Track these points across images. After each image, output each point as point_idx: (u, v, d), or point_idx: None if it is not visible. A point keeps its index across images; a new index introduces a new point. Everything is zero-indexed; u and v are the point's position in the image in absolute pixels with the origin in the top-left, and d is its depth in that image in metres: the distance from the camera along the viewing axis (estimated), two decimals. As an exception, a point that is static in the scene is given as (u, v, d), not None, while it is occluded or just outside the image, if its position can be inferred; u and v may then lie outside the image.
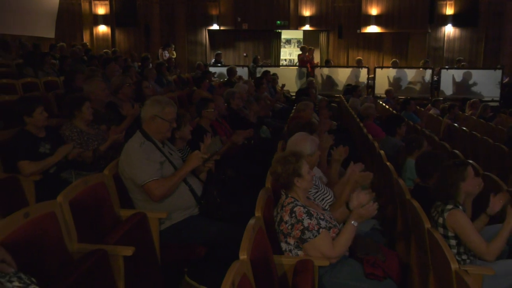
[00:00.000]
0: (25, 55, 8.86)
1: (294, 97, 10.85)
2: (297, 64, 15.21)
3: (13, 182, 3.45)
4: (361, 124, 6.63)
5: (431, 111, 9.88)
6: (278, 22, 16.10)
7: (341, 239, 2.68)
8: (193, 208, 3.25)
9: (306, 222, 2.63)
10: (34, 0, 14.03)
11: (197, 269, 3.17)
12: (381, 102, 10.66)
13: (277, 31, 16.95)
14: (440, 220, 2.92)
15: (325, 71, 14.30)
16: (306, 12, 16.02)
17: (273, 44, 17.19)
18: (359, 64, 14.51)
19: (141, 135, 3.22)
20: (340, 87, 13.73)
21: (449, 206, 2.92)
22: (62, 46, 11.82)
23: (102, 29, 16.38)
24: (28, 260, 2.02)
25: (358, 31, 15.74)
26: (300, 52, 15.05)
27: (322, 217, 2.73)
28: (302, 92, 9.17)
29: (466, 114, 9.71)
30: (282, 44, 17.80)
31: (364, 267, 2.70)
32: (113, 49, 13.91)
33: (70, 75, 6.15)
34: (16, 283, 1.67)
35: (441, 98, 11.98)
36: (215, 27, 16.31)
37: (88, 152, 3.86)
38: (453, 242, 2.90)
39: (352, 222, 2.69)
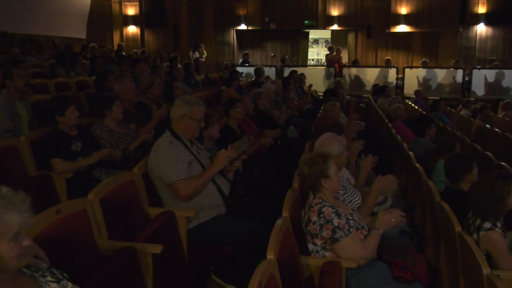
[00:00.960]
0: (57, 56, 9.07)
1: (321, 97, 10.80)
2: (325, 64, 15.12)
3: (45, 180, 3.54)
4: (390, 125, 6.55)
5: (462, 112, 9.67)
6: (306, 22, 16.05)
7: (368, 243, 2.66)
8: (221, 207, 3.27)
9: (336, 221, 2.62)
10: (66, 2, 14.36)
11: (224, 268, 3.19)
12: (410, 103, 10.50)
13: (305, 30, 16.90)
14: (475, 236, 2.78)
15: (353, 71, 14.18)
16: (334, 12, 15.92)
17: (301, 44, 17.14)
18: (387, 64, 14.32)
19: (170, 134, 3.25)
20: (368, 87, 13.58)
21: (487, 225, 2.77)
22: (93, 46, 12.04)
23: (132, 29, 16.64)
24: (60, 256, 2.06)
25: (387, 30, 15.56)
26: (328, 52, 14.96)
27: (350, 217, 2.71)
28: (330, 92, 9.11)
29: (499, 116, 9.46)
30: (309, 44, 17.73)
31: (392, 270, 2.66)
32: (142, 49, 14.11)
33: (102, 75, 6.27)
34: (49, 278, 1.70)
35: (473, 99, 11.72)
36: (242, 27, 16.37)
37: (118, 151, 3.93)
38: None
39: (377, 229, 2.70)
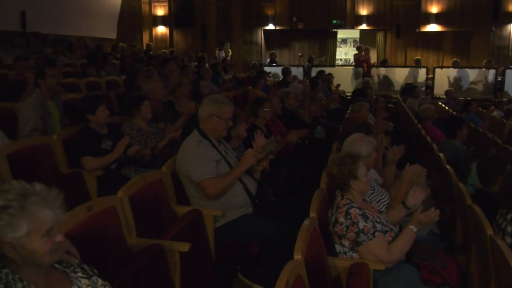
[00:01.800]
0: (88, 56, 9.25)
1: (349, 97, 10.72)
2: (353, 64, 15.00)
3: (77, 177, 3.62)
4: (419, 126, 6.45)
5: (494, 113, 9.45)
6: (334, 21, 15.93)
7: (399, 244, 2.61)
8: (248, 206, 3.27)
9: (362, 224, 2.59)
10: (97, 2, 14.62)
11: (250, 268, 3.19)
12: (440, 103, 10.32)
13: (333, 30, 16.78)
14: (509, 229, 2.74)
15: (382, 71, 14.01)
16: (363, 11, 15.77)
17: (329, 43, 17.04)
18: (417, 64, 14.11)
19: (198, 133, 3.28)
20: (397, 87, 13.40)
21: None
22: (123, 46, 12.23)
23: (161, 29, 16.83)
24: (90, 252, 2.10)
25: (417, 30, 15.32)
26: (356, 52, 14.83)
27: (378, 220, 2.67)
28: (358, 93, 9.02)
29: (533, 117, 9.21)
30: (337, 43, 17.61)
31: (421, 273, 2.62)
32: (170, 49, 14.26)
33: (131, 74, 6.36)
34: (80, 274, 1.74)
35: (505, 100, 11.44)
36: (270, 27, 16.37)
37: (146, 150, 3.98)
38: None
39: (411, 227, 2.62)
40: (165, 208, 3.05)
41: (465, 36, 15.26)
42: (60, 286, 1.66)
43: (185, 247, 2.58)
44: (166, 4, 16.53)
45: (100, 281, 1.76)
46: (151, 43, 15.31)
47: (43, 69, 4.49)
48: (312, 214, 2.58)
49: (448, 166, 4.00)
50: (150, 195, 2.91)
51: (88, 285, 1.72)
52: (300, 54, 16.61)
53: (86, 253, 1.92)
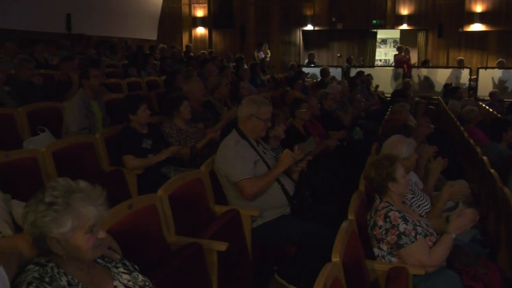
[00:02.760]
0: (129, 56, 9.45)
1: (389, 98, 10.54)
2: (393, 64, 14.75)
3: (118, 175, 3.70)
4: (462, 128, 6.27)
5: (542, 116, 9.09)
6: (374, 21, 15.71)
7: (438, 249, 2.55)
8: (285, 207, 3.26)
9: (402, 227, 2.54)
10: (139, 5, 14.94)
11: (287, 268, 3.19)
12: (484, 105, 10.01)
13: (373, 30, 16.55)
14: None
15: (423, 71, 13.71)
16: (404, 11, 15.49)
17: (368, 44, 16.83)
18: (460, 65, 13.73)
19: (236, 133, 3.30)
20: (439, 88, 13.09)
21: None
22: (163, 47, 12.44)
23: (200, 31, 17.03)
24: (131, 248, 2.13)
25: (460, 29, 14.92)
26: (397, 52, 14.57)
27: (418, 223, 2.62)
28: (398, 94, 8.86)
29: None
30: (377, 44, 17.37)
31: (463, 279, 2.55)
32: (209, 50, 14.40)
33: (171, 75, 6.46)
34: (121, 269, 1.78)
35: (554, 102, 10.99)
36: (309, 27, 16.30)
37: (186, 149, 4.03)
38: None
39: (450, 233, 2.55)
40: (203, 207, 3.08)
41: (511, 36, 14.76)
42: (102, 281, 1.71)
43: (222, 246, 2.60)
44: (206, 5, 16.72)
45: (140, 277, 1.80)
46: (191, 44, 15.51)
47: (87, 70, 4.62)
48: (351, 216, 2.56)
49: (492, 170, 3.88)
50: (189, 194, 2.95)
51: (129, 281, 1.76)
52: (338, 54, 16.47)
53: (126, 249, 1.96)
